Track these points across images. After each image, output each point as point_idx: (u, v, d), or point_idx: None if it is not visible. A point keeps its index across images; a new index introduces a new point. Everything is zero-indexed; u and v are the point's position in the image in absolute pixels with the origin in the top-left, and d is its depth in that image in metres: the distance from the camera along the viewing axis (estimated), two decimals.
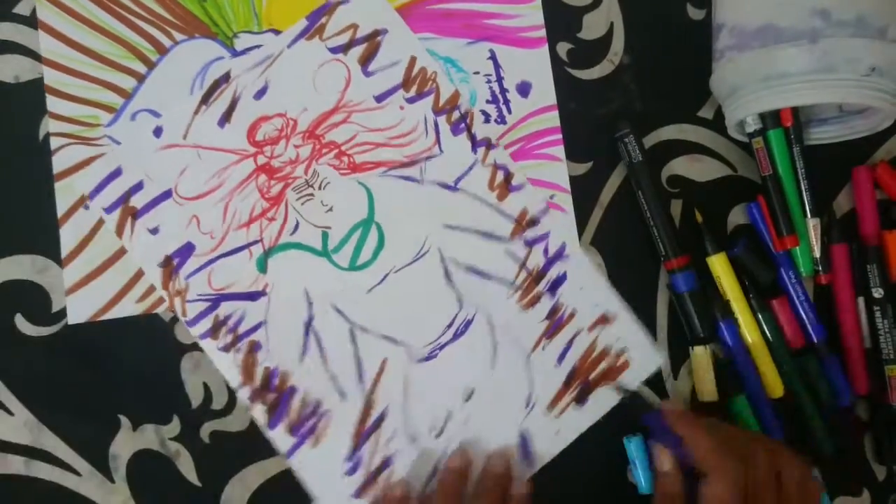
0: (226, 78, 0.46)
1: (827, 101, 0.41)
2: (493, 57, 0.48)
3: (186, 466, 0.45)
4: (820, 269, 0.47)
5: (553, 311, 0.47)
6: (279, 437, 0.45)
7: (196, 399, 0.45)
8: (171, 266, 0.45)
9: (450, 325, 0.46)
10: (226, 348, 0.45)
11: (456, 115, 0.47)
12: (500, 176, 0.47)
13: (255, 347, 0.45)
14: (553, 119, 0.48)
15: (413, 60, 0.47)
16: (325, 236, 0.46)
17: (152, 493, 0.44)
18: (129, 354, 0.45)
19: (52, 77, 0.46)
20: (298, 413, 0.45)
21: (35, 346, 0.44)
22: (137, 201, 0.45)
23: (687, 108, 0.49)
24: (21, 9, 0.46)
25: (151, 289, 0.45)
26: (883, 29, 0.41)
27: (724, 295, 0.46)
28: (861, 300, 0.47)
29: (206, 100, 0.46)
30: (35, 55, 0.46)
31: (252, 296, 0.45)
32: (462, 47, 0.48)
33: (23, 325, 0.45)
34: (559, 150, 0.47)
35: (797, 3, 0.41)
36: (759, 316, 0.46)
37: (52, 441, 0.44)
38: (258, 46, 0.47)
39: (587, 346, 0.46)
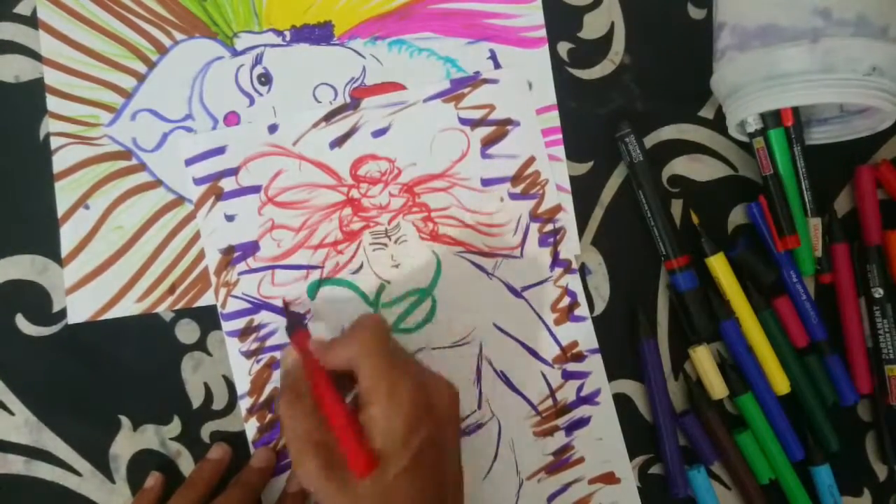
0: (355, 105, 0.46)
1: (828, 101, 0.41)
2: (493, 57, 0.48)
3: (187, 467, 0.45)
4: (821, 268, 0.47)
5: (562, 450, 0.45)
6: None
7: (197, 399, 0.45)
8: (230, 256, 0.45)
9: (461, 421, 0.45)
10: (247, 354, 0.45)
11: (549, 227, 0.46)
12: (566, 300, 0.46)
13: (274, 364, 0.45)
14: (553, 119, 0.48)
15: (531, 161, 0.46)
16: (381, 288, 0.45)
17: None
18: (129, 354, 0.45)
19: (52, 77, 0.46)
20: None
21: (35, 346, 0.44)
22: (227, 184, 0.45)
23: (687, 108, 0.49)
24: (21, 9, 0.46)
25: (151, 289, 0.45)
26: (884, 28, 0.41)
27: (725, 295, 0.46)
28: (862, 300, 0.47)
29: (328, 118, 0.46)
30: (35, 55, 0.46)
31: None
32: (462, 47, 0.47)
33: (23, 324, 0.45)
34: (559, 150, 0.47)
35: (798, 3, 0.41)
36: (761, 315, 0.46)
37: (52, 441, 0.44)
38: (258, 46, 0.47)
39: (582, 496, 0.45)
